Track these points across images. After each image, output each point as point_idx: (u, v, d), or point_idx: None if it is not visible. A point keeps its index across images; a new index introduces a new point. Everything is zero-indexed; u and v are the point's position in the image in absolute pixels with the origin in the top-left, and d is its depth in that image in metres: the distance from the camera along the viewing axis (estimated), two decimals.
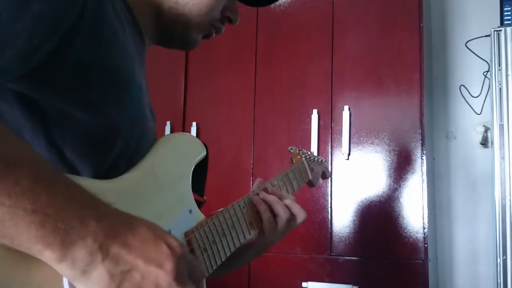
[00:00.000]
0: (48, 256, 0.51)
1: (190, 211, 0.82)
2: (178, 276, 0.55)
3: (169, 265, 0.55)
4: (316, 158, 1.24)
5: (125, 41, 0.76)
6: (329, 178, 2.15)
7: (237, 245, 0.89)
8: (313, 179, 1.19)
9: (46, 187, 0.52)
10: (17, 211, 0.49)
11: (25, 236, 0.50)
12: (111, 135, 0.72)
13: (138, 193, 0.73)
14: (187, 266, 0.58)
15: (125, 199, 0.69)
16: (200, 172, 0.86)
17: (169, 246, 0.57)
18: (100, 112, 0.70)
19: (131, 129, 0.76)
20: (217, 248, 0.84)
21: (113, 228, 0.54)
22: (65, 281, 0.56)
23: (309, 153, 1.22)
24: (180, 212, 0.80)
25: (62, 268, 0.52)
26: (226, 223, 0.87)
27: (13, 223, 0.49)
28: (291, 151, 1.19)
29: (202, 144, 0.87)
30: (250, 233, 0.93)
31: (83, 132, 0.69)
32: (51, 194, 0.52)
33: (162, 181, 0.78)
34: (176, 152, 0.83)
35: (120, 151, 0.74)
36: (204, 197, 0.87)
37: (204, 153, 0.87)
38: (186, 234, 0.79)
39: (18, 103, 0.65)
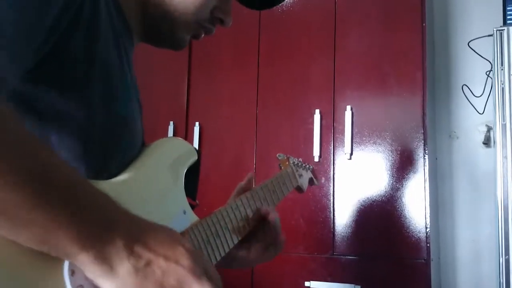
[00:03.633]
0: (82, 257, 0.55)
1: (184, 212, 0.84)
2: (194, 270, 0.61)
3: (186, 261, 0.61)
4: (304, 165, 1.27)
5: (117, 38, 0.77)
6: (332, 179, 2.16)
7: (231, 245, 0.91)
8: (301, 184, 1.23)
9: (79, 192, 0.56)
10: (55, 222, 0.52)
11: (62, 241, 0.53)
12: (103, 135, 0.73)
13: (133, 194, 0.74)
14: (202, 264, 0.63)
15: (122, 200, 0.70)
16: (192, 176, 0.87)
17: (184, 246, 0.62)
18: (95, 111, 0.71)
19: (122, 128, 0.76)
20: (212, 248, 0.86)
21: (136, 231, 0.60)
22: (66, 269, 0.58)
23: (296, 160, 1.25)
24: (174, 214, 0.81)
25: (93, 267, 0.56)
26: (219, 223, 0.88)
27: (55, 232, 0.53)
28: (279, 158, 1.22)
29: (193, 149, 0.89)
30: (243, 235, 0.95)
31: (77, 132, 0.69)
32: (83, 199, 0.56)
33: (156, 184, 0.79)
34: (168, 156, 0.84)
35: (112, 151, 0.75)
36: (197, 201, 0.88)
37: (195, 157, 0.88)
38: (182, 235, 0.80)
39: (14, 102, 0.64)
